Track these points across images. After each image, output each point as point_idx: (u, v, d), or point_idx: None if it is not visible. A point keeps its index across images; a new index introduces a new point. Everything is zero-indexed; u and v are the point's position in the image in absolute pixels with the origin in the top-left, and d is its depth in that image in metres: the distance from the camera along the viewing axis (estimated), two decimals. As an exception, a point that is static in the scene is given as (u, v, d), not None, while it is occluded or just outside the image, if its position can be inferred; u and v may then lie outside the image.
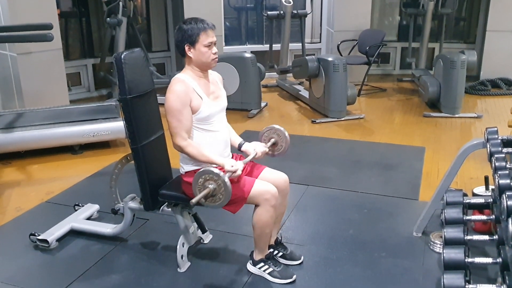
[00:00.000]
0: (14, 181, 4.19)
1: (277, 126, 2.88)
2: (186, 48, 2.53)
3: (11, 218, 3.50)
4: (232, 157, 2.75)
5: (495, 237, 2.35)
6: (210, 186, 2.32)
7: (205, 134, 2.59)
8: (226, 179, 2.31)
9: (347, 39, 7.30)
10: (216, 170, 2.33)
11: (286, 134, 2.87)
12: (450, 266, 2.18)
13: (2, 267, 2.91)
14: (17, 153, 4.62)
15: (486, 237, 2.41)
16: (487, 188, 3.28)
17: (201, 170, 2.36)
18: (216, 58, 2.59)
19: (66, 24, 6.88)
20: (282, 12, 6.97)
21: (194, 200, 2.31)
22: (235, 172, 2.47)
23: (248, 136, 5.28)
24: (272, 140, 2.87)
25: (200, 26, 2.50)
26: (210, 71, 2.68)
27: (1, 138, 4.49)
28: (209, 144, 2.60)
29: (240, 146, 2.78)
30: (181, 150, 2.56)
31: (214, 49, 2.56)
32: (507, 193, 2.07)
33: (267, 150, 2.79)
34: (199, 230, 3.04)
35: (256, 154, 2.70)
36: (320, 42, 8.33)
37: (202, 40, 2.50)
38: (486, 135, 2.74)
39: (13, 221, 3.46)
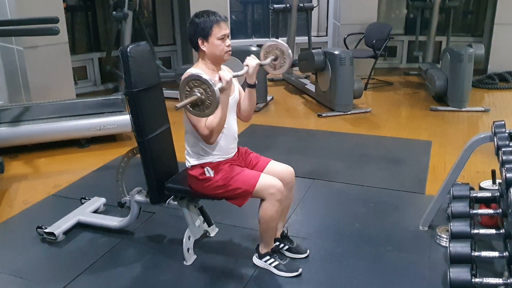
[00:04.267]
0: (22, 175, 4.21)
1: (279, 41, 2.77)
2: (199, 41, 2.50)
3: (19, 211, 3.52)
4: (238, 151, 2.75)
5: (502, 231, 2.35)
6: (197, 93, 2.19)
7: None
8: (216, 87, 2.16)
9: (353, 32, 7.26)
10: (205, 76, 2.19)
11: (289, 50, 2.74)
12: (457, 260, 2.18)
13: (9, 259, 2.93)
14: (24, 146, 4.64)
15: (493, 231, 2.40)
16: (494, 182, 3.26)
17: (189, 75, 2.23)
18: (229, 50, 2.55)
19: (72, 18, 6.89)
20: (288, 5, 6.94)
21: (178, 105, 2.17)
22: (223, 79, 2.34)
23: (254, 130, 5.30)
24: (272, 56, 2.75)
25: (213, 18, 2.47)
26: (222, 65, 2.65)
27: (9, 132, 4.52)
28: (219, 137, 2.58)
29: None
30: (210, 138, 2.46)
31: (228, 42, 2.53)
32: (514, 187, 2.06)
33: (259, 62, 2.63)
34: (205, 224, 3.05)
35: (248, 68, 2.55)
36: (326, 35, 8.30)
37: (215, 33, 2.47)
38: (493, 129, 2.72)
39: (21, 214, 3.49)
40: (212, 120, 2.40)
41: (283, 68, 2.80)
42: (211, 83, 2.17)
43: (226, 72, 2.42)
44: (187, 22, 2.56)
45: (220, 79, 2.36)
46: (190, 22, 2.52)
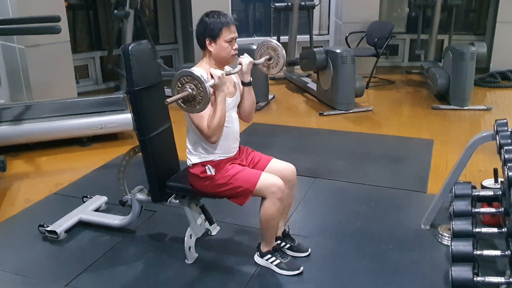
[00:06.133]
0: (23, 173, 4.21)
1: (273, 42, 2.79)
2: (207, 41, 2.50)
3: (20, 209, 3.53)
4: (239, 150, 2.75)
5: (504, 229, 2.34)
6: (188, 89, 2.23)
7: None
8: (207, 84, 2.20)
9: (355, 31, 7.25)
10: (197, 73, 2.23)
11: (283, 51, 2.76)
12: (458, 259, 2.17)
13: (11, 258, 2.93)
14: (25, 145, 4.64)
15: (495, 230, 2.40)
16: (496, 181, 3.26)
17: (180, 71, 2.27)
18: (236, 54, 2.56)
19: (74, 17, 6.89)
20: (289, 3, 6.94)
21: (169, 100, 2.21)
22: (214, 75, 2.36)
23: (255, 128, 5.30)
24: (266, 56, 2.78)
25: (223, 20, 2.47)
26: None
27: (10, 130, 4.52)
28: (220, 138, 2.58)
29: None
30: (213, 137, 2.48)
31: (235, 45, 2.54)
32: (516, 185, 2.05)
33: (252, 60, 2.65)
34: (207, 222, 3.05)
35: (241, 67, 2.58)
36: (328, 34, 8.29)
37: (224, 36, 2.47)
38: (495, 127, 2.71)
39: (22, 212, 3.49)
40: (212, 119, 2.42)
41: (277, 68, 2.81)
42: (202, 79, 2.20)
43: (216, 70, 2.42)
44: (189, 20, 2.56)
45: (212, 76, 2.37)
46: (200, 20, 2.51)
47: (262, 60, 2.76)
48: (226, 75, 2.47)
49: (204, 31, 2.49)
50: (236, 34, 2.53)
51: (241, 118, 2.75)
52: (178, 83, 2.26)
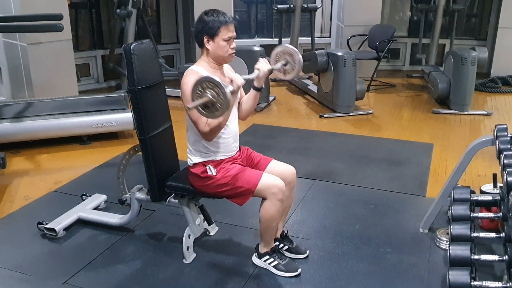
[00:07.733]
0: (23, 170, 4.22)
1: (289, 46, 2.72)
2: (205, 39, 2.51)
3: (20, 206, 3.53)
4: (240, 151, 2.76)
5: (502, 234, 2.35)
6: (209, 94, 2.21)
7: None
8: (227, 90, 2.18)
9: (357, 34, 7.26)
10: (218, 79, 2.20)
11: (299, 55, 2.72)
12: (456, 263, 2.18)
13: (9, 255, 2.94)
14: (26, 142, 4.65)
15: (493, 235, 2.40)
16: (495, 186, 3.26)
17: (202, 77, 2.26)
18: (233, 53, 2.56)
19: (76, 15, 6.90)
20: (292, 5, 6.95)
21: (190, 105, 2.22)
22: (235, 83, 2.37)
23: (256, 130, 5.31)
24: (283, 61, 2.73)
25: (222, 19, 2.48)
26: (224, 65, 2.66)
27: (11, 128, 4.53)
28: (220, 136, 2.59)
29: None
30: (209, 136, 2.48)
31: (233, 44, 2.54)
32: (515, 190, 2.06)
33: (271, 67, 2.64)
34: (205, 222, 3.05)
35: (259, 73, 2.57)
36: (329, 36, 8.30)
37: (222, 34, 2.48)
38: (495, 132, 2.72)
39: (21, 209, 3.49)
40: (216, 122, 2.41)
41: (292, 74, 2.76)
42: (223, 85, 2.18)
43: (238, 77, 2.42)
44: (191, 20, 2.57)
45: (231, 82, 2.38)
46: (199, 18, 2.53)
47: (279, 65, 2.72)
48: (245, 79, 2.45)
49: (203, 29, 2.50)
50: (234, 34, 2.54)
51: (239, 116, 2.76)
52: (199, 88, 2.24)
